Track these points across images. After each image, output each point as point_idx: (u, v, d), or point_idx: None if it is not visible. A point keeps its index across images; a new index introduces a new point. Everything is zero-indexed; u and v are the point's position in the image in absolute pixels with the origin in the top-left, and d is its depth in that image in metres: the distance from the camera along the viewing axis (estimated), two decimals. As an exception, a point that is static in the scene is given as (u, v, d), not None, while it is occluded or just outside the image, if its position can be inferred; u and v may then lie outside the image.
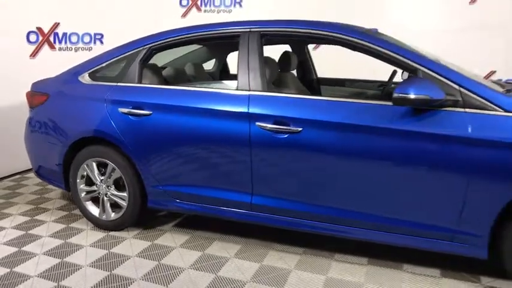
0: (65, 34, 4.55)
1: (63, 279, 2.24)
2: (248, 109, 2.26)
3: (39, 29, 4.30)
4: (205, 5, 5.90)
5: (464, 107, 1.91)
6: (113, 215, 2.79)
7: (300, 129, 2.15)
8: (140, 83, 2.66)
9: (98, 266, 2.37)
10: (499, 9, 5.18)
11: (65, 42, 4.57)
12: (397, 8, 5.76)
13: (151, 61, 2.90)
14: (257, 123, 2.23)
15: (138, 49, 2.69)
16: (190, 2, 5.83)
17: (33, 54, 4.28)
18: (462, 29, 5.29)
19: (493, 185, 1.87)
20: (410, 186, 2.02)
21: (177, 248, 2.57)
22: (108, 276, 2.27)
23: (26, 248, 2.59)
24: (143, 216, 2.83)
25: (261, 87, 2.30)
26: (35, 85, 3.05)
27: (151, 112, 2.50)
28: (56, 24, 4.44)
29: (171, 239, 2.69)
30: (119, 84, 2.68)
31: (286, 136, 2.17)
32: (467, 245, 1.99)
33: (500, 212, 1.88)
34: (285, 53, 3.12)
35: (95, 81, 2.79)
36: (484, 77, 5.33)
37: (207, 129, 2.37)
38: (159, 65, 3.88)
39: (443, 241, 2.03)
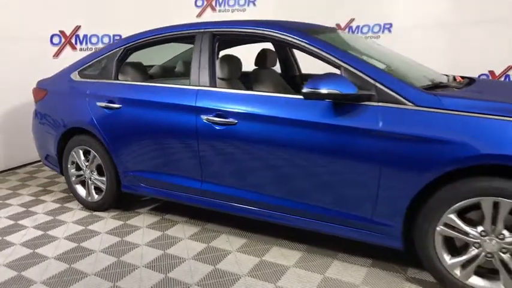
0: (85, 36, 5.04)
1: (39, 247, 2.62)
2: (195, 103, 2.48)
3: (61, 32, 4.83)
4: (220, 5, 6.16)
5: (378, 101, 1.98)
6: (96, 197, 3.15)
7: (236, 121, 2.33)
8: (116, 79, 2.98)
9: (72, 239, 2.73)
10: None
11: (86, 43, 5.07)
12: (411, 1, 5.63)
13: (135, 59, 3.23)
14: (201, 116, 2.44)
15: (115, 50, 3.01)
16: (205, 2, 6.12)
17: (56, 55, 4.82)
18: (480, 22, 5.07)
19: (401, 178, 1.92)
20: (330, 176, 2.12)
21: (143, 228, 2.87)
22: (76, 247, 2.61)
23: (21, 222, 3.03)
24: (122, 199, 3.15)
25: (208, 83, 2.51)
26: (39, 82, 3.50)
27: (120, 106, 2.81)
28: (77, 27, 4.94)
29: (141, 220, 2.99)
30: (98, 80, 3.02)
31: (224, 128, 2.37)
32: (384, 235, 2.06)
33: (410, 203, 1.93)
34: (262, 51, 3.27)
35: (82, 78, 3.16)
36: (501, 72, 5.08)
37: (163, 121, 2.62)
38: (161, 62, 4.22)
39: (364, 231, 2.11)
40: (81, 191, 3.24)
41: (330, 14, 5.98)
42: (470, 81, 2.49)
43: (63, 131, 3.14)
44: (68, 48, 4.90)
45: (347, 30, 5.95)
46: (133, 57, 3.31)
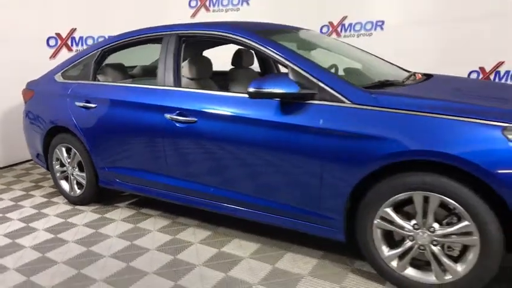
0: (81, 38, 5.24)
1: (19, 238, 2.81)
2: (160, 102, 2.61)
3: (58, 34, 5.04)
4: (214, 5, 6.27)
5: (320, 100, 2.07)
6: (78, 192, 3.32)
7: (196, 119, 2.45)
8: (94, 80, 3.14)
9: (50, 230, 2.91)
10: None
11: (82, 45, 5.26)
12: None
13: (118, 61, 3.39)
14: (165, 114, 2.57)
15: (94, 52, 3.17)
16: (199, 3, 6.23)
17: (53, 56, 5.03)
18: (471, 18, 5.05)
19: (340, 173, 2.00)
20: (279, 172, 2.21)
21: (118, 221, 3.02)
22: (52, 238, 2.79)
23: (8, 215, 3.24)
24: (104, 194, 3.32)
25: (173, 83, 2.63)
26: (28, 83, 3.69)
27: (96, 105, 2.97)
28: (73, 30, 5.15)
29: (118, 214, 3.15)
30: (78, 81, 3.19)
31: (186, 126, 2.49)
32: (329, 228, 2.15)
33: (349, 197, 2.01)
34: (238, 51, 3.38)
35: (65, 79, 3.33)
36: (492, 69, 5.06)
37: (133, 119, 2.76)
38: (149, 62, 4.35)
39: (312, 224, 2.20)
40: (65, 186, 3.42)
41: (323, 11, 6.04)
42: (427, 78, 2.55)
43: (47, 130, 3.33)
44: (64, 50, 5.10)
45: (340, 27, 6.01)
46: (124, 58, 3.49)
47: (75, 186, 3.33)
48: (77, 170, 3.28)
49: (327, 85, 2.06)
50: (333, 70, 3.05)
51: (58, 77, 3.38)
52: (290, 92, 2.05)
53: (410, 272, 1.96)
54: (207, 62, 2.98)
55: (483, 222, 1.72)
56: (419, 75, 2.71)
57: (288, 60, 2.20)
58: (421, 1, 5.46)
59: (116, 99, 2.86)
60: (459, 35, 5.15)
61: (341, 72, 2.94)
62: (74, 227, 2.95)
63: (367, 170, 1.92)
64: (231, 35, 2.45)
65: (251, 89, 2.10)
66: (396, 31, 5.71)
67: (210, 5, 6.26)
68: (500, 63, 5.01)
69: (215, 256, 2.42)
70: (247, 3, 6.29)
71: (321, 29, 6.11)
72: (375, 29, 5.95)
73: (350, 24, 6.07)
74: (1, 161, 4.63)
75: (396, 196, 1.89)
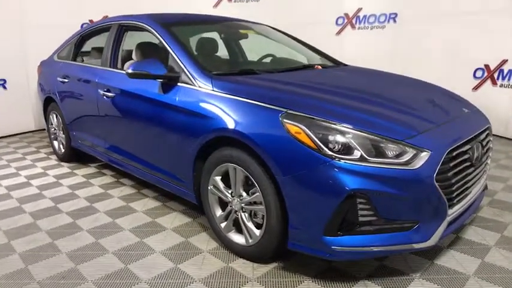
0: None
1: (4, 179, 3.65)
2: (98, 79, 3.20)
3: (91, 21, 5.93)
4: (235, -5, 6.67)
5: (181, 82, 2.44)
6: (63, 150, 4.11)
7: (114, 94, 2.98)
8: (74, 60, 3.85)
9: (28, 177, 3.72)
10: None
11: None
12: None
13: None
14: (99, 90, 3.14)
15: (76, 36, 3.87)
16: (221, -6, 6.69)
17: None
18: (481, 12, 4.79)
19: (186, 143, 2.36)
20: (150, 139, 2.65)
21: (79, 176, 3.71)
22: (24, 182, 3.58)
23: (12, 164, 4.15)
24: (78, 154, 4.06)
25: (108, 65, 3.19)
26: (41, 62, 4.56)
27: (68, 80, 3.67)
28: (105, 17, 5.99)
29: (84, 171, 3.85)
30: (64, 61, 3.94)
31: (109, 99, 3.04)
32: (185, 191, 2.53)
33: (194, 166, 2.37)
34: (200, 39, 3.81)
35: (58, 59, 4.11)
36: (497, 66, 4.81)
37: (84, 92, 3.40)
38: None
39: (177, 186, 2.60)
40: (55, 145, 4.24)
41: (339, 3, 6.11)
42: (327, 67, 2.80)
43: (43, 99, 4.16)
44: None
45: (355, 19, 6.02)
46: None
47: (61, 146, 4.12)
48: (61, 133, 4.06)
49: (187, 70, 2.43)
50: (269, 58, 3.38)
51: (55, 57, 4.18)
52: (157, 74, 2.46)
53: (232, 234, 2.27)
54: (153, 48, 3.47)
55: (266, 194, 1.97)
56: (319, 66, 2.89)
57: (170, 48, 2.60)
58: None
59: (76, 76, 3.53)
60: (469, 30, 4.92)
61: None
62: (45, 176, 3.73)
63: (200, 142, 2.26)
64: (142, 24, 2.94)
65: (129, 70, 2.52)
66: (408, 24, 5.60)
67: (232, -4, 6.66)
68: (504, 62, 4.66)
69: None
70: (267, -6, 6.54)
71: (337, 20, 6.19)
72: (388, 21, 5.87)
73: (365, 16, 6.05)
74: (36, 125, 5.71)
75: (219, 167, 2.21)
